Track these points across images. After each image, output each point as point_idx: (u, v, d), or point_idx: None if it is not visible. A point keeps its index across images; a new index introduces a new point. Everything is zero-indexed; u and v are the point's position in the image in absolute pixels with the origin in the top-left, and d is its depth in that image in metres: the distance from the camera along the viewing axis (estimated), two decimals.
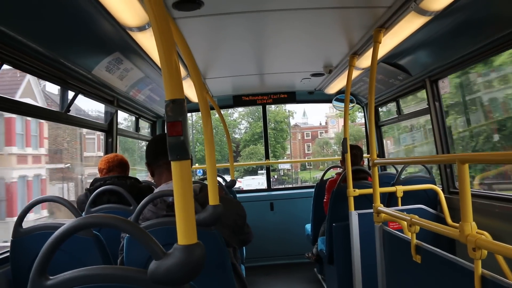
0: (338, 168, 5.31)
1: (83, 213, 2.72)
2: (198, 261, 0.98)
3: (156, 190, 2.14)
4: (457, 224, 1.83)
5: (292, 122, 42.23)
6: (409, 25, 2.93)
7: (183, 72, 3.90)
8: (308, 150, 43.05)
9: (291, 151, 41.38)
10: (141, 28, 2.67)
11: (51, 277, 1.04)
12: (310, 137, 43.38)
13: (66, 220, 2.42)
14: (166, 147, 2.13)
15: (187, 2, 2.49)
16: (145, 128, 5.71)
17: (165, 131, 4.47)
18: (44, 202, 2.29)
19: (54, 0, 2.15)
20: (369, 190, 3.41)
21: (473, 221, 1.73)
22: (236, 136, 40.73)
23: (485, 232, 2.59)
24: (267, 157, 6.61)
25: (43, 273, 1.03)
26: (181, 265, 0.96)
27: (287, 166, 38.00)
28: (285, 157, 39.28)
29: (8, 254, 2.31)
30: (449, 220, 3.48)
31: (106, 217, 1.05)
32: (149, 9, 0.98)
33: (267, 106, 6.43)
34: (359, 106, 6.21)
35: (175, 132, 0.98)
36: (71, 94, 3.21)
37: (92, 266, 1.06)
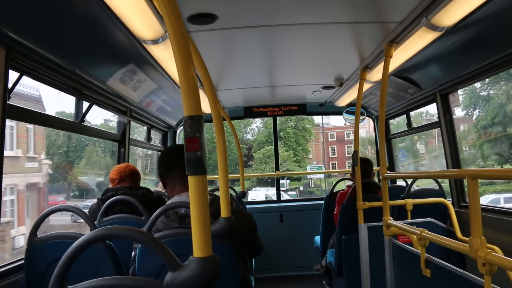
0: (349, 181, 5.30)
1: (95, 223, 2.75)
2: (213, 273, 1.00)
3: (168, 202, 2.16)
4: (467, 239, 1.83)
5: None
6: (420, 40, 2.95)
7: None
8: (333, 154, 35.75)
9: (313, 155, 35.89)
10: (155, 41, 2.73)
11: (69, 287, 1.06)
12: (335, 139, 36.07)
13: (74, 230, 2.44)
14: (179, 159, 2.18)
15: (202, 16, 2.55)
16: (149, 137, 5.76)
17: (176, 142, 4.50)
18: (59, 211, 2.33)
19: (72, 13, 2.21)
20: (379, 203, 3.41)
21: (483, 236, 1.73)
22: (248, 137, 35.75)
23: (495, 247, 2.58)
24: (277, 168, 6.62)
25: (62, 283, 1.06)
26: (196, 277, 0.98)
27: (319, 175, 33.35)
28: (309, 162, 33.83)
29: (22, 261, 2.35)
30: (459, 234, 3.46)
31: (124, 229, 1.08)
32: (169, 28, 1.01)
33: (277, 117, 6.47)
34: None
35: (193, 148, 1.01)
36: (85, 105, 3.27)
37: (109, 277, 1.09)
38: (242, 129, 34.15)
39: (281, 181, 29.58)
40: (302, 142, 34.06)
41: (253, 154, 33.26)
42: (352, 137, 30.83)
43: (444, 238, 2.14)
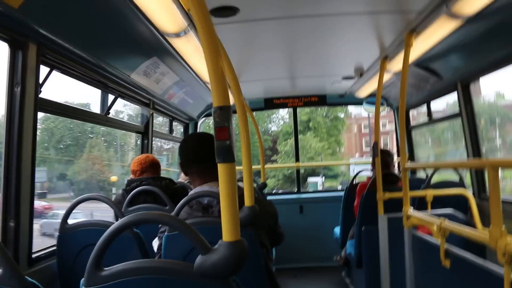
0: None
1: None
2: (242, 256, 1.06)
3: (191, 192, 2.21)
4: (488, 229, 1.84)
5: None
6: (440, 29, 2.94)
7: None
8: (367, 147, 31.76)
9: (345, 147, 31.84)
10: (177, 34, 2.78)
11: (105, 268, 1.13)
12: (368, 130, 31.44)
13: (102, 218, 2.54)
14: (195, 156, 2.21)
15: (223, 9, 2.59)
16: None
17: (189, 135, 4.55)
18: (89, 200, 2.42)
19: (97, 8, 2.28)
20: (399, 194, 3.41)
21: (503, 226, 1.74)
22: (273, 128, 31.70)
23: None
24: (297, 159, 6.66)
25: (98, 265, 1.13)
26: (226, 260, 1.04)
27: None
28: (342, 157, 30.25)
29: (55, 248, 2.45)
30: (479, 225, 3.44)
31: (157, 214, 1.14)
32: (197, 21, 1.06)
33: (298, 109, 6.48)
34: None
35: (222, 137, 1.06)
36: (110, 98, 3.36)
37: (142, 259, 1.15)
38: (265, 118, 30.73)
39: (313, 180, 26.43)
40: (334, 132, 30.18)
41: (278, 146, 29.61)
42: (388, 127, 29.43)
43: (464, 227, 2.15)
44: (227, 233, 1.07)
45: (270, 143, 30.01)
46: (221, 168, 1.08)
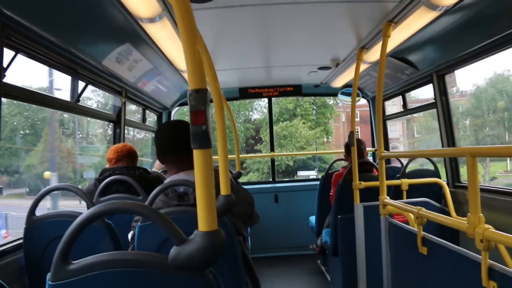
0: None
1: None
2: (219, 246, 1.00)
3: (166, 180, 2.16)
4: (463, 218, 1.86)
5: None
6: (418, 20, 2.94)
7: None
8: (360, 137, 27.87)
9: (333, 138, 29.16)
10: (152, 19, 2.69)
11: (73, 262, 1.07)
12: (358, 119, 27.72)
13: (74, 209, 2.45)
14: (170, 145, 2.17)
15: None
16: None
17: (163, 124, 4.47)
18: (56, 191, 2.32)
19: None
20: (375, 183, 3.43)
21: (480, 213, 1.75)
22: (255, 116, 29.56)
23: (489, 225, 2.61)
24: (272, 149, 6.64)
25: (65, 258, 1.06)
26: (202, 251, 0.99)
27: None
28: (328, 147, 27.72)
29: (21, 241, 2.35)
30: (453, 213, 3.50)
31: (129, 204, 1.08)
32: (174, 2, 1.00)
33: (272, 98, 6.45)
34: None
35: (199, 121, 1.00)
36: (81, 85, 3.24)
37: (113, 251, 1.09)
38: (247, 105, 28.92)
39: (304, 174, 23.90)
40: (323, 121, 28.03)
41: (262, 135, 27.58)
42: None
43: (442, 216, 2.17)
44: (203, 223, 1.01)
45: (252, 131, 28.50)
46: (196, 154, 1.01)
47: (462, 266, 1.90)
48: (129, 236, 2.20)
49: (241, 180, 5.66)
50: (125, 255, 1.08)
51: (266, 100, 6.47)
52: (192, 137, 1.00)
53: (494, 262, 1.66)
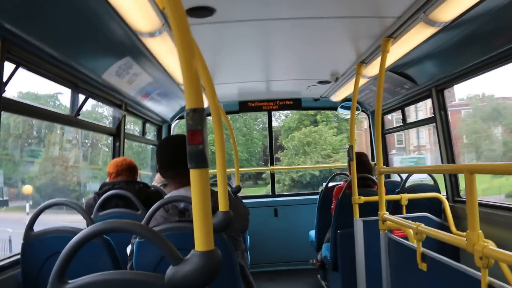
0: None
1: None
2: (216, 267, 1.00)
3: (166, 196, 2.16)
4: (462, 233, 1.85)
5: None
6: (417, 35, 2.96)
7: None
8: (399, 143, 24.97)
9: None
10: (152, 34, 2.71)
11: (70, 281, 1.06)
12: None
13: (71, 224, 2.44)
14: (172, 159, 2.19)
15: (200, 9, 2.53)
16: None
17: (165, 138, 4.48)
18: (56, 206, 2.31)
19: (69, 4, 2.19)
20: (374, 198, 3.42)
21: (479, 230, 1.74)
22: (273, 123, 26.15)
23: (489, 241, 2.60)
24: (271, 163, 6.63)
25: (62, 277, 1.05)
26: (198, 271, 0.98)
27: None
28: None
29: (19, 257, 2.33)
30: (453, 228, 3.49)
31: (125, 223, 1.07)
32: (172, 20, 1.01)
33: (272, 112, 6.47)
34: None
35: (195, 141, 1.00)
36: (81, 98, 3.25)
37: (110, 271, 1.08)
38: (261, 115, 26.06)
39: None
40: (345, 127, 25.30)
41: (282, 143, 25.87)
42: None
43: (441, 232, 2.16)
44: (200, 243, 1.01)
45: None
46: (193, 173, 1.02)
47: (462, 283, 1.89)
48: (128, 250, 2.19)
49: (240, 194, 5.65)
50: (121, 274, 1.07)
51: None
52: (188, 156, 1.01)
53: (494, 280, 1.65)
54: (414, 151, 24.40)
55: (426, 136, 25.02)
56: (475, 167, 1.79)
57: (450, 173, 3.81)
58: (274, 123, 26.19)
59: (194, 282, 0.99)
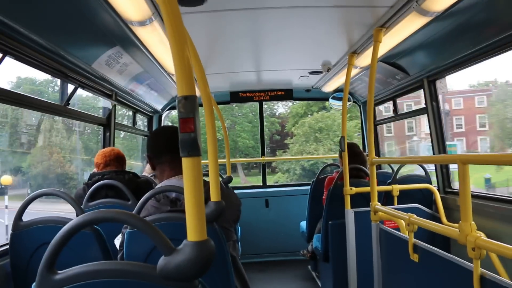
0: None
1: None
2: (208, 257, 0.98)
3: (158, 186, 2.14)
4: (454, 224, 1.86)
5: None
6: (409, 25, 2.94)
7: None
8: (411, 132, 23.66)
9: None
10: (142, 23, 2.67)
11: (59, 272, 1.04)
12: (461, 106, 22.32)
13: (62, 214, 2.41)
14: (168, 143, 2.18)
15: None
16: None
17: (161, 126, 4.46)
18: (44, 196, 2.28)
19: None
20: (366, 189, 3.42)
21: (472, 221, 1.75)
22: (280, 110, 26.72)
23: (481, 232, 2.62)
24: (262, 153, 6.62)
25: (51, 268, 1.03)
26: (191, 261, 0.97)
27: None
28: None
29: (7, 247, 2.31)
30: (444, 219, 3.51)
31: (116, 212, 1.05)
32: (162, 6, 0.98)
33: (264, 103, 6.45)
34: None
35: (187, 129, 0.98)
36: (70, 87, 3.20)
37: (101, 261, 1.06)
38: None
39: None
40: (355, 114, 22.04)
41: (291, 129, 24.69)
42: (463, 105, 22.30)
43: (433, 223, 2.16)
44: (192, 232, 0.99)
45: (278, 126, 26.10)
46: (185, 162, 1.00)
47: (454, 274, 1.90)
48: (117, 241, 2.16)
49: (231, 184, 5.64)
50: (112, 265, 1.05)
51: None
52: (180, 144, 0.99)
53: (486, 271, 1.65)
54: (425, 139, 21.86)
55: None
56: (468, 157, 1.79)
57: (442, 163, 3.82)
58: (281, 110, 26.54)
59: (187, 272, 0.97)
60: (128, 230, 1.91)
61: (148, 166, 4.36)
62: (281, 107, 27.08)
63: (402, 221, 2.58)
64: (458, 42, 3.15)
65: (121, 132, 5.33)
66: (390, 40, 3.32)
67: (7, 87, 2.39)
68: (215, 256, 1.01)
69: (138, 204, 1.96)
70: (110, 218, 1.06)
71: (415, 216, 2.30)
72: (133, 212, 1.94)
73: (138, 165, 6.45)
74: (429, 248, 2.13)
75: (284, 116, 26.77)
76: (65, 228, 1.03)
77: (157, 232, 1.01)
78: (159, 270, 0.99)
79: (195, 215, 0.98)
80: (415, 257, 2.26)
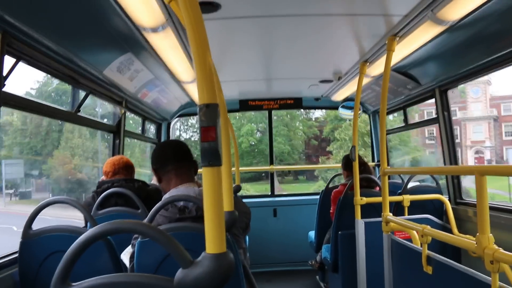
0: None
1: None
2: (228, 270, 0.94)
3: (166, 195, 2.12)
4: (467, 236, 1.82)
5: None
6: (423, 34, 2.92)
7: (193, 75, 3.90)
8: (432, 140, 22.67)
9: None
10: (155, 29, 2.66)
11: (73, 284, 1.01)
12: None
13: (70, 222, 2.39)
14: (174, 152, 2.21)
15: (205, 4, 2.48)
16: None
17: (170, 134, 4.46)
18: (54, 204, 2.26)
19: None
20: (377, 199, 3.38)
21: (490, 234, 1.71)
22: (316, 114, 25.59)
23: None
24: (271, 162, 6.58)
25: (65, 279, 1.00)
26: (210, 275, 0.93)
27: None
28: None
29: (16, 255, 2.28)
30: (455, 230, 3.46)
31: (133, 223, 1.02)
32: (185, 13, 0.96)
33: (273, 111, 6.44)
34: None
35: (209, 137, 0.94)
36: (82, 94, 3.20)
37: (116, 274, 1.03)
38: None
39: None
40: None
41: (334, 135, 23.55)
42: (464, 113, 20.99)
43: (448, 235, 2.13)
44: (212, 244, 0.95)
45: (316, 130, 25.23)
46: (206, 172, 0.96)
47: (469, 286, 1.85)
48: (123, 257, 2.13)
49: (240, 193, 5.60)
50: (128, 277, 1.02)
51: None
52: (202, 154, 0.95)
53: (504, 284, 1.61)
54: (471, 147, 22.02)
55: (486, 130, 22.35)
56: (486, 168, 1.76)
57: (459, 174, 3.77)
58: (318, 114, 25.36)
59: (206, 286, 0.94)
60: (139, 239, 1.88)
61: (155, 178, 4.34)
62: (318, 111, 25.13)
63: (415, 232, 2.54)
64: (471, 52, 3.12)
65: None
66: (402, 49, 3.29)
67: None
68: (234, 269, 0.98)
69: (150, 213, 1.94)
70: (127, 229, 1.03)
71: (429, 227, 2.26)
72: (145, 221, 1.91)
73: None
74: (444, 260, 2.09)
75: (321, 120, 25.51)
76: (81, 238, 1.00)
77: (175, 243, 0.98)
78: (176, 283, 0.96)
79: (215, 227, 0.95)
80: (428, 269, 2.21)
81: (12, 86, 2.21)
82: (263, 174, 22.86)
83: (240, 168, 5.97)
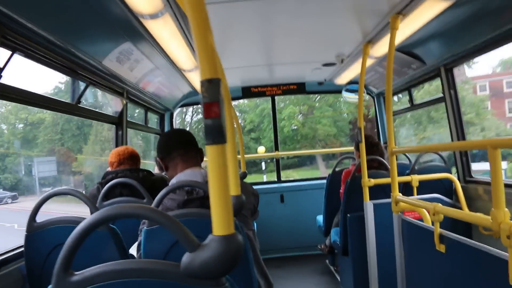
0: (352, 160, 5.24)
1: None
2: (237, 252, 0.90)
3: (173, 180, 2.11)
4: (478, 213, 1.80)
5: None
6: (428, 11, 2.85)
7: (194, 62, 3.85)
8: None
9: None
10: (153, 16, 2.60)
11: (76, 273, 0.98)
12: (487, 91, 17.74)
13: (76, 214, 2.37)
14: (179, 140, 2.21)
15: None
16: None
17: (173, 124, 4.45)
18: (58, 195, 2.24)
19: None
20: (385, 180, 3.34)
21: (506, 208, 1.66)
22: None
23: None
24: (276, 148, 6.55)
25: (67, 268, 0.97)
26: (218, 257, 0.89)
27: None
28: None
29: (22, 249, 2.26)
30: (465, 209, 3.42)
31: (137, 207, 0.98)
32: None
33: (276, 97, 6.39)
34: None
35: (213, 114, 0.89)
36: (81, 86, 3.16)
37: (119, 261, 1.00)
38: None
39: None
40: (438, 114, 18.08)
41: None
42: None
43: (460, 212, 2.09)
44: (219, 226, 0.91)
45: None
46: (210, 150, 0.91)
47: (486, 264, 1.81)
48: (132, 251, 2.12)
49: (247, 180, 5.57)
50: (133, 263, 0.99)
51: None
52: (205, 131, 0.90)
53: None
54: None
55: None
56: (499, 142, 1.70)
57: (470, 149, 3.71)
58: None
59: (214, 269, 0.90)
60: (145, 228, 1.86)
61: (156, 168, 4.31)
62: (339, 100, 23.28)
63: (425, 211, 2.50)
64: (477, 27, 3.05)
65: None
66: (406, 28, 3.22)
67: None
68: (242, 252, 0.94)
69: (156, 199, 1.91)
70: (129, 214, 0.99)
71: (440, 205, 2.22)
72: (152, 206, 1.89)
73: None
74: (458, 238, 2.05)
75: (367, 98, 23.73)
76: (81, 225, 0.96)
77: (180, 226, 0.94)
78: (183, 268, 0.93)
79: (222, 207, 0.90)
80: (441, 248, 2.18)
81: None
82: (307, 161, 22.50)
83: (246, 156, 5.94)
